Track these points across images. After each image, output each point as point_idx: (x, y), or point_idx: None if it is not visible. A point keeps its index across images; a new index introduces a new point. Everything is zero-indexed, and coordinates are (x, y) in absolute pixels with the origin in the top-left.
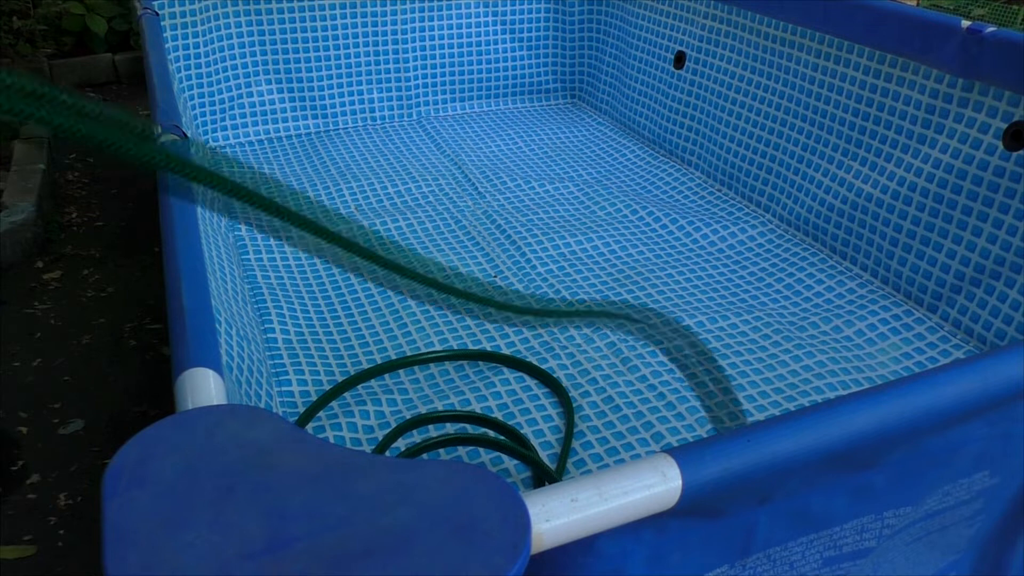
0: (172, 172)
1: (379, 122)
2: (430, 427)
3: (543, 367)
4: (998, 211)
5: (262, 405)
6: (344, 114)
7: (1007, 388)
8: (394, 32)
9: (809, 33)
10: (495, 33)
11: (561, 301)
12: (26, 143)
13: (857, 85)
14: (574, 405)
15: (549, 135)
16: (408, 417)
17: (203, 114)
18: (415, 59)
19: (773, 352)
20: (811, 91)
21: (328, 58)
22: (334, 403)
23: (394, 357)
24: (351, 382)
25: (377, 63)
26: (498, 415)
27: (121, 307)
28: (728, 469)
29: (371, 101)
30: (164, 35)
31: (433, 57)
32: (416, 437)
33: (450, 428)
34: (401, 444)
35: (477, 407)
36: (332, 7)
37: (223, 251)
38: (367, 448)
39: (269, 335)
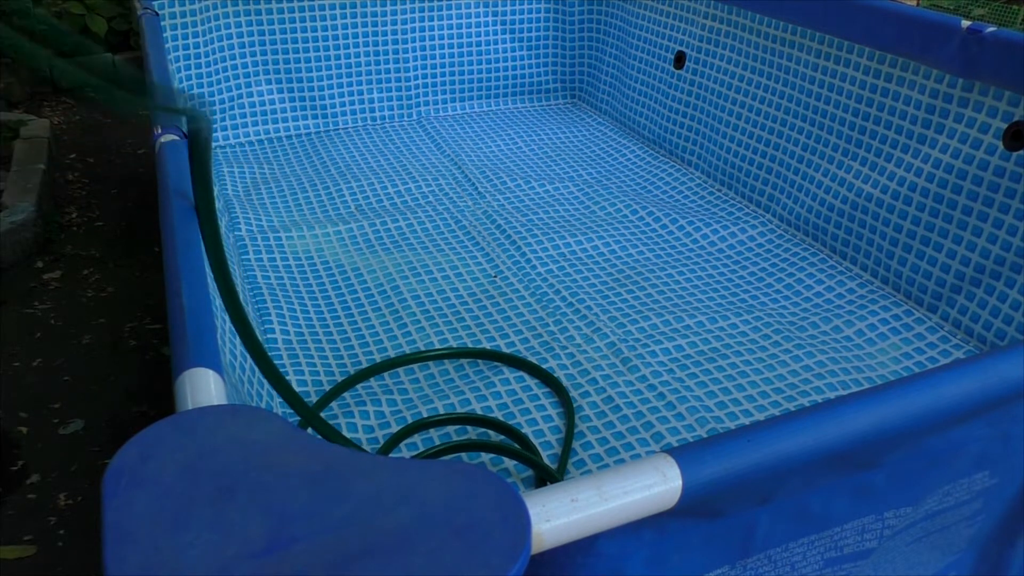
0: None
1: (379, 122)
2: (430, 430)
3: (543, 367)
4: (998, 211)
5: (262, 405)
6: (344, 114)
7: (1007, 388)
8: (394, 32)
9: (809, 33)
10: (495, 33)
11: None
12: (26, 143)
13: (857, 85)
14: (574, 405)
15: (549, 135)
16: (408, 418)
17: None
18: (415, 59)
19: (773, 352)
20: (811, 91)
21: (328, 58)
22: (334, 403)
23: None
24: (351, 381)
25: (377, 63)
26: (498, 415)
27: (121, 307)
28: (728, 469)
29: (371, 101)
30: (164, 35)
31: (433, 57)
32: (416, 438)
33: (450, 430)
34: (403, 449)
35: (477, 407)
36: (332, 7)
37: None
38: (367, 448)
39: (269, 335)
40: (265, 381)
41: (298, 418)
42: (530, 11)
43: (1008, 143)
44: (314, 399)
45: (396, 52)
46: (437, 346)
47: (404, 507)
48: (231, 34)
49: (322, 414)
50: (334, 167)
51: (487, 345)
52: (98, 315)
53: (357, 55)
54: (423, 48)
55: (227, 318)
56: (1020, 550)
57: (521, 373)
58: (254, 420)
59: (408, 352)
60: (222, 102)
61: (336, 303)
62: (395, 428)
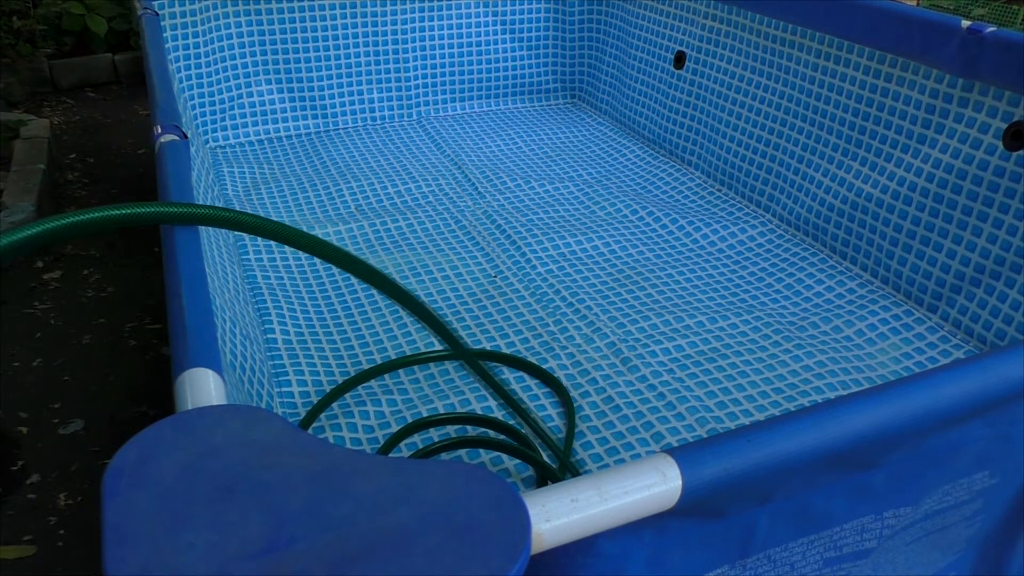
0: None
1: (379, 122)
2: (430, 429)
3: (543, 367)
4: (998, 211)
5: (262, 405)
6: (344, 114)
7: (1007, 388)
8: (394, 32)
9: (809, 33)
10: (495, 33)
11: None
12: (26, 143)
13: (857, 85)
14: (574, 405)
15: (549, 135)
16: (408, 418)
17: (203, 114)
18: (415, 59)
19: (773, 352)
20: (811, 91)
21: (328, 58)
22: (334, 404)
23: (394, 357)
24: (352, 383)
25: (377, 63)
26: (498, 415)
27: (121, 307)
28: (728, 469)
29: (371, 101)
30: (164, 35)
31: (433, 57)
32: (416, 438)
33: (450, 429)
34: (403, 448)
35: (477, 407)
36: (332, 7)
37: (223, 251)
38: (367, 448)
39: (269, 335)
40: (264, 381)
41: (299, 417)
42: (530, 11)
43: (1008, 143)
44: (314, 399)
45: (396, 52)
46: (437, 346)
47: (404, 507)
48: (231, 34)
49: (322, 415)
50: (334, 167)
51: (487, 345)
52: (98, 315)
53: (357, 55)
54: (423, 48)
55: (224, 318)
56: (1020, 550)
57: (521, 373)
58: (254, 420)
59: (408, 352)
60: (222, 102)
61: (336, 303)
62: (395, 428)
